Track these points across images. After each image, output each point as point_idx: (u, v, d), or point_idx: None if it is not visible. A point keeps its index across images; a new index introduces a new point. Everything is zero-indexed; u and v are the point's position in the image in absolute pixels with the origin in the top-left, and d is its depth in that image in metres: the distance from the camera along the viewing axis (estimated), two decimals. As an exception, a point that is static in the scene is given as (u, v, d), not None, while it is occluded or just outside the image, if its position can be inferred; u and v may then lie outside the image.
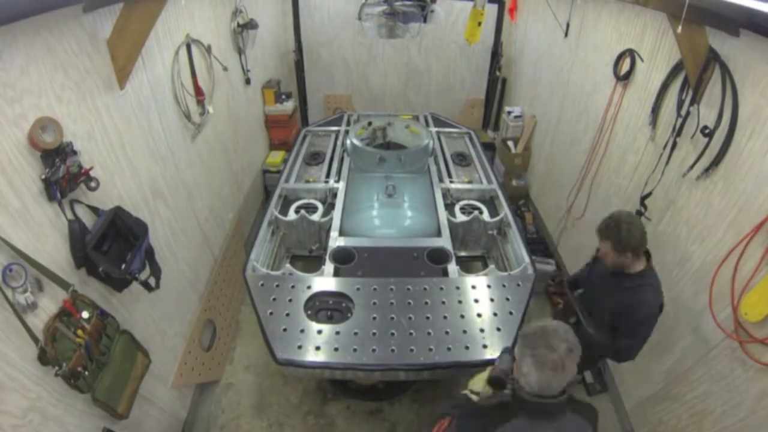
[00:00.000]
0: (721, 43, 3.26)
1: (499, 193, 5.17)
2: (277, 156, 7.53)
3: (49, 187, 2.51)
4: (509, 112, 7.99)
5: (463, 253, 4.99)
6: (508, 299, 3.74)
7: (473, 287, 3.83)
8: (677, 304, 3.73)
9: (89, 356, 2.64)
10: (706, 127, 3.38)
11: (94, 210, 2.89)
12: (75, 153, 2.68)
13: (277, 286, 3.77)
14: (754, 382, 2.93)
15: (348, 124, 6.94)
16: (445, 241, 4.39)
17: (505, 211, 4.84)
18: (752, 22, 2.79)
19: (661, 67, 4.06)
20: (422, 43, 8.65)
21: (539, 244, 6.76)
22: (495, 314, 3.59)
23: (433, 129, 6.76)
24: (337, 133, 6.67)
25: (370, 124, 6.19)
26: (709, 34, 3.35)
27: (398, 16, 5.00)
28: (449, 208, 4.96)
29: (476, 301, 3.70)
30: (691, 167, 3.56)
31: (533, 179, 7.64)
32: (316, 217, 4.72)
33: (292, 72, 8.77)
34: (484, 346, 3.35)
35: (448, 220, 4.67)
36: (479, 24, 5.33)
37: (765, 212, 2.89)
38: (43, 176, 2.48)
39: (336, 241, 4.33)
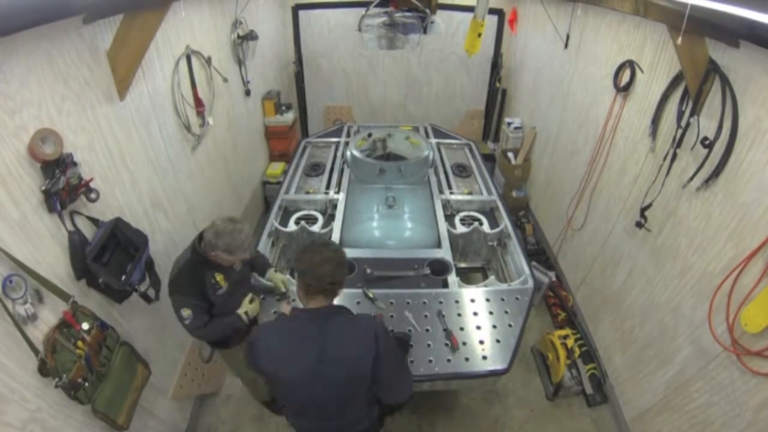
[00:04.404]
0: (722, 55, 3.26)
1: (499, 204, 5.17)
2: (277, 167, 7.54)
3: (49, 199, 2.52)
4: (509, 124, 7.99)
5: (463, 265, 4.99)
6: (507, 312, 3.75)
7: (472, 300, 3.84)
8: (677, 315, 3.71)
9: (89, 367, 2.63)
10: (706, 138, 3.38)
11: (94, 221, 2.89)
12: (75, 164, 2.69)
13: (278, 299, 3.77)
14: (753, 393, 2.91)
15: (348, 135, 6.95)
16: (445, 253, 4.39)
17: (505, 223, 4.85)
18: (753, 34, 2.79)
19: (661, 78, 4.06)
20: (422, 54, 8.67)
21: (539, 255, 6.74)
22: (494, 326, 3.59)
23: (433, 140, 6.78)
24: (337, 144, 6.68)
25: (370, 135, 6.17)
26: (709, 46, 3.35)
27: (398, 27, 5.01)
28: (449, 219, 4.96)
29: (475, 314, 3.71)
30: (691, 178, 3.55)
31: (533, 190, 7.63)
32: (316, 228, 4.72)
33: (292, 83, 8.81)
34: (484, 358, 3.35)
35: (448, 232, 4.67)
36: (479, 35, 5.33)
37: (766, 224, 2.88)
38: (43, 187, 2.48)
39: None
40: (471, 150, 6.68)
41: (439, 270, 4.17)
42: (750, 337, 2.90)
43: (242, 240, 3.29)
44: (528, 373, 5.19)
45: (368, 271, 4.06)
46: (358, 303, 3.75)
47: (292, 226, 4.75)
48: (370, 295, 3.76)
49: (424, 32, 5.17)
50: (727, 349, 3.07)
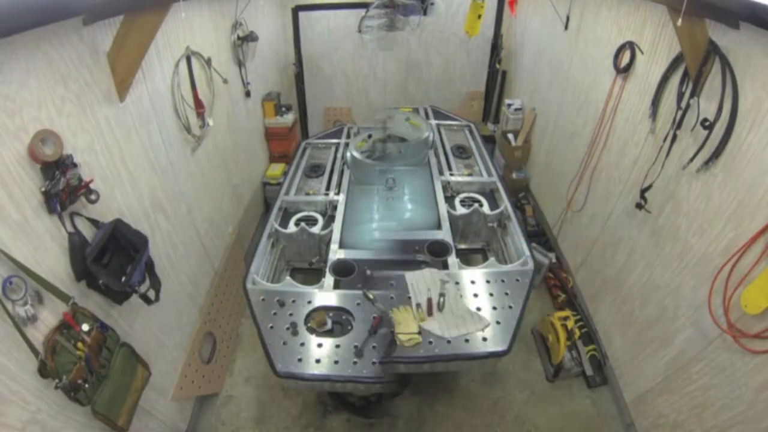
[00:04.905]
0: (722, 36, 3.24)
1: (499, 185, 5.18)
2: (277, 168, 7.48)
3: (49, 200, 2.52)
4: (509, 105, 7.94)
5: (463, 246, 5.02)
6: (507, 293, 3.78)
7: (472, 282, 3.87)
8: (677, 297, 3.73)
9: (89, 369, 2.65)
10: (706, 119, 3.36)
11: (94, 223, 2.90)
12: (75, 165, 2.69)
13: (278, 300, 3.80)
14: (753, 374, 2.94)
15: (348, 136, 6.93)
16: (445, 234, 4.43)
17: (505, 204, 4.86)
18: (753, 15, 2.78)
19: (661, 59, 4.04)
20: (422, 36, 8.59)
21: (539, 237, 6.78)
22: (494, 308, 3.62)
23: (433, 122, 6.79)
24: (337, 145, 6.67)
25: (370, 136, 6.20)
26: (709, 27, 3.33)
27: (398, 8, 5.00)
28: (449, 200, 4.99)
29: (475, 295, 3.74)
30: (691, 160, 3.54)
31: (533, 172, 7.63)
32: (316, 229, 4.73)
33: (292, 84, 8.75)
34: (484, 339, 3.39)
35: (448, 213, 4.71)
36: (479, 17, 5.32)
37: (765, 205, 2.90)
38: (43, 189, 2.49)
39: (336, 253, 4.35)
40: (471, 131, 6.68)
41: (439, 251, 4.20)
42: (748, 319, 2.93)
43: None
44: (528, 355, 5.24)
45: (368, 272, 4.09)
46: (358, 304, 3.77)
47: (292, 228, 4.77)
48: (370, 296, 3.78)
49: (424, 14, 5.16)
50: (725, 332, 3.10)
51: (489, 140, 8.23)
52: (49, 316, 2.54)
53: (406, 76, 9.18)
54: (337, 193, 5.35)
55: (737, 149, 3.16)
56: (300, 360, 3.34)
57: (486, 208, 4.85)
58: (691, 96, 3.55)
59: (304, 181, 5.77)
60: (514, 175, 7.69)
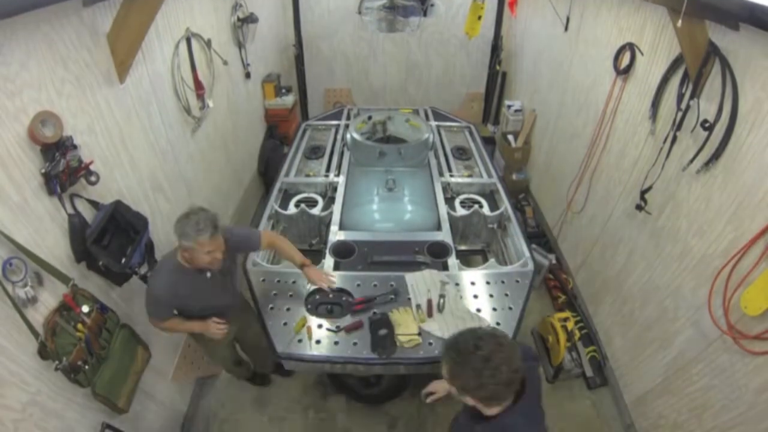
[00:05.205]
0: (722, 37, 3.24)
1: (499, 186, 5.16)
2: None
3: (49, 182, 2.51)
4: (509, 106, 7.94)
5: (463, 247, 5.00)
6: (507, 294, 3.76)
7: (472, 283, 3.85)
8: (677, 298, 3.73)
9: (89, 350, 2.64)
10: (706, 120, 3.36)
11: (94, 204, 2.89)
12: (75, 147, 2.68)
13: (278, 281, 3.79)
14: (753, 376, 2.93)
15: (348, 118, 6.92)
16: (445, 235, 4.40)
17: (505, 205, 4.84)
18: (753, 16, 2.78)
19: (661, 61, 4.04)
20: (422, 37, 8.63)
21: (540, 238, 6.75)
22: (494, 309, 3.61)
23: (433, 123, 6.74)
24: (337, 127, 6.66)
25: (370, 118, 6.18)
26: (709, 28, 3.33)
27: (398, 10, 4.99)
28: (449, 202, 4.96)
29: (475, 296, 3.72)
30: (691, 161, 3.54)
31: (533, 173, 7.63)
32: (316, 211, 4.73)
33: (292, 66, 8.76)
34: (484, 340, 3.35)
35: (449, 214, 4.68)
36: (479, 18, 5.31)
37: (765, 206, 2.89)
38: (43, 170, 2.48)
39: (336, 235, 4.35)
40: (471, 133, 6.65)
41: (439, 253, 4.18)
42: (748, 320, 2.92)
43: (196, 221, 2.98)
44: (528, 356, 5.19)
45: (368, 255, 4.08)
46: (358, 285, 3.77)
47: (292, 209, 4.76)
48: None
49: (424, 15, 5.16)
50: (724, 333, 3.10)
51: (489, 141, 8.21)
52: (49, 297, 2.52)
53: (406, 77, 9.22)
54: (337, 175, 5.36)
55: (737, 150, 3.16)
56: (300, 341, 3.33)
57: (486, 210, 4.83)
58: (691, 97, 3.55)
59: (304, 163, 5.76)
60: (514, 177, 7.69)
